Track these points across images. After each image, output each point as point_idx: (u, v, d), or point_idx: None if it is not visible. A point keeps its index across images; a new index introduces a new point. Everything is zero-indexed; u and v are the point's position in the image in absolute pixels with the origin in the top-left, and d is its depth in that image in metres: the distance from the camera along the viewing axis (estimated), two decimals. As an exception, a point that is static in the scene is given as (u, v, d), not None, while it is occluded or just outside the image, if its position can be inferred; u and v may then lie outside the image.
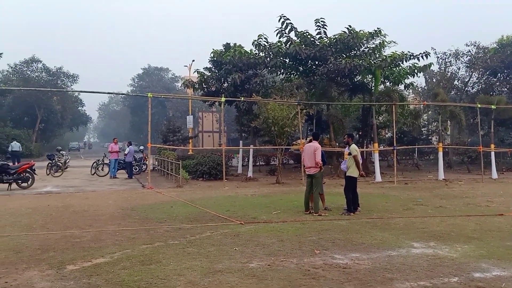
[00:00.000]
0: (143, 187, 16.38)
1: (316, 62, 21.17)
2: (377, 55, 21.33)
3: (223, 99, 18.38)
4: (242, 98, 19.06)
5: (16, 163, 21.11)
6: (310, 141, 10.42)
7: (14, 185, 15.44)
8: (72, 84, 53.16)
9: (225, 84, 21.90)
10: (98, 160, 22.64)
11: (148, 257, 6.07)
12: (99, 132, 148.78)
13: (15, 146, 26.80)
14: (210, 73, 22.53)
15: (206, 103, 29.26)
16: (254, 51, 21.14)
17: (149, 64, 71.34)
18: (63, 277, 5.17)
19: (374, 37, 20.68)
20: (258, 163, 26.83)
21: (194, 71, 23.35)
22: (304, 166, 10.37)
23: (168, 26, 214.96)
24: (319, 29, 20.64)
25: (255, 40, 20.68)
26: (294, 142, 23.69)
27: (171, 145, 24.87)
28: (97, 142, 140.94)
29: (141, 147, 25.62)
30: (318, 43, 20.47)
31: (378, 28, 20.44)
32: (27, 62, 49.77)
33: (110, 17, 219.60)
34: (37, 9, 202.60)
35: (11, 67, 49.74)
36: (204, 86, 22.31)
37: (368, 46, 21.23)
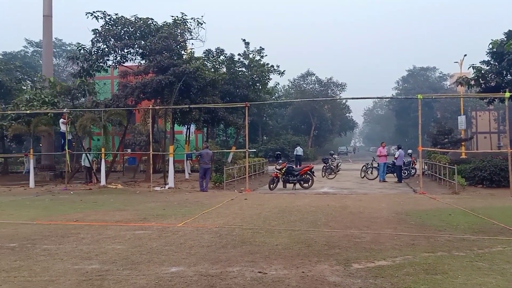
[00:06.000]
0: (415, 192, 15.90)
1: None
2: None
3: (507, 94, 15.92)
4: (534, 91, 16.07)
5: (298, 166, 24.04)
6: None
7: (297, 185, 17.61)
8: (340, 92, 57.16)
9: (508, 77, 18.99)
10: (367, 163, 23.31)
11: (432, 266, 5.80)
12: (364, 137, 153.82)
13: (299, 150, 31.04)
14: (488, 67, 19.96)
15: (484, 100, 26.05)
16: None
17: (414, 65, 69.14)
18: (351, 274, 5.51)
19: None
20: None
21: (469, 67, 21.13)
22: None
23: (434, 22, 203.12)
24: None
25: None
26: None
27: (442, 148, 23.30)
28: (362, 146, 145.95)
29: (409, 151, 25.01)
30: None
31: None
32: (303, 76, 56.60)
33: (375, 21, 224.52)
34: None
35: (291, 82, 57.54)
36: (481, 82, 19.93)
37: None
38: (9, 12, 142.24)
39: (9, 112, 21.39)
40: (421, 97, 16.74)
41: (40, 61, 43.13)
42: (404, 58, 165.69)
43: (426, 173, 22.91)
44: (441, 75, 67.40)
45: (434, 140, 26.64)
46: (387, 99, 73.62)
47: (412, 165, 22.85)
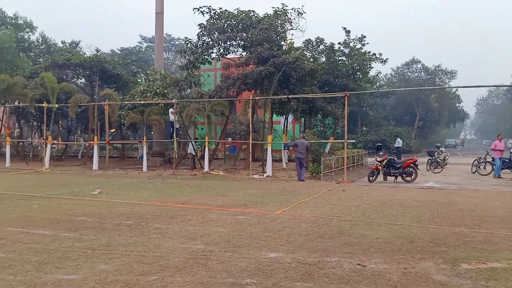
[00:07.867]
0: (537, 191, 14.22)
1: None
2: None
3: None
4: None
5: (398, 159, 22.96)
6: None
7: (399, 179, 16.81)
8: (449, 80, 52.97)
9: None
10: (480, 158, 21.38)
11: (557, 273, 5.18)
12: (476, 129, 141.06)
13: (399, 142, 29.87)
14: None
15: None
16: None
17: (540, 48, 61.35)
18: (459, 274, 5.15)
19: None
20: None
21: None
22: None
23: None
24: None
25: None
26: None
27: None
28: (474, 139, 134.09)
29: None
30: None
31: None
32: (407, 64, 53.52)
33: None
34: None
35: (394, 70, 54.79)
36: None
37: None
38: (127, 12, 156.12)
39: (126, 102, 23.59)
40: (548, 84, 14.80)
41: (153, 56, 46.77)
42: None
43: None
44: None
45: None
46: (505, 88, 66.52)
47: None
